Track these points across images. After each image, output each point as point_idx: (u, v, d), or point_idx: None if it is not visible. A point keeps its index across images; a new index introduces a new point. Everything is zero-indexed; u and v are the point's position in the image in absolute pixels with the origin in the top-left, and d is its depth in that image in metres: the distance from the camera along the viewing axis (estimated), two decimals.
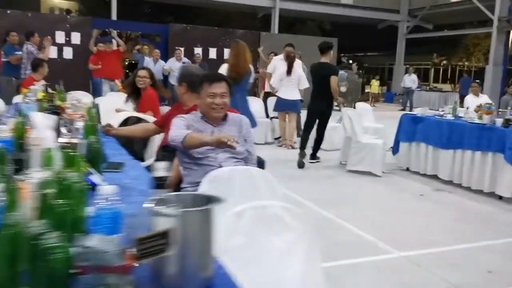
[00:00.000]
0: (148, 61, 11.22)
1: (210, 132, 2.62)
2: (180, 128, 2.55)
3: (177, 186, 2.79)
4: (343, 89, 10.40)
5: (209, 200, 1.14)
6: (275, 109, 8.02)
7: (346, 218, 4.24)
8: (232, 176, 2.23)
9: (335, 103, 6.95)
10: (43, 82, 5.06)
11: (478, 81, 8.98)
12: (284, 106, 7.77)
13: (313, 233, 1.76)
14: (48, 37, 8.68)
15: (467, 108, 6.16)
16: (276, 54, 9.08)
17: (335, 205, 4.71)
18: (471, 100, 7.61)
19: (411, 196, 5.22)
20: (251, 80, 5.28)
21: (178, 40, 13.97)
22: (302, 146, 6.54)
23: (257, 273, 1.61)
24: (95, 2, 23.15)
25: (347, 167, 6.22)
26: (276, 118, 8.30)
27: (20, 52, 7.89)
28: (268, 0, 18.58)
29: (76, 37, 13.36)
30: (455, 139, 5.56)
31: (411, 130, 6.21)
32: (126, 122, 4.34)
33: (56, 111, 2.92)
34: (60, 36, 13.30)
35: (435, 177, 5.84)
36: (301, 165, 6.41)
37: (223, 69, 5.06)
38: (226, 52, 15.08)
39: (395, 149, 6.47)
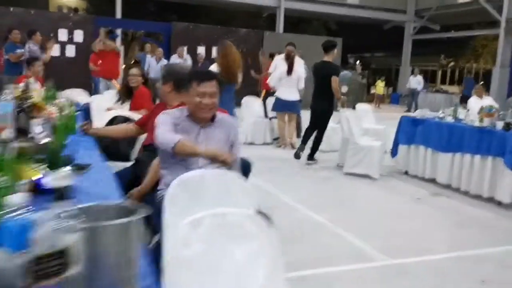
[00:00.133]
0: (150, 60, 11.16)
1: (196, 133, 2.51)
2: (168, 129, 2.42)
3: (153, 188, 2.69)
4: (343, 89, 10.23)
5: (131, 212, 1.02)
6: (273, 109, 7.90)
7: (338, 223, 4.11)
8: (203, 180, 2.10)
9: (338, 104, 6.84)
10: (32, 80, 4.97)
11: (482, 82, 8.80)
12: (283, 106, 7.65)
13: (277, 243, 1.64)
14: (52, 38, 8.62)
15: (468, 111, 6.00)
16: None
17: (328, 208, 4.58)
18: (474, 102, 7.45)
19: (407, 200, 5.07)
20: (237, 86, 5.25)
21: (181, 39, 13.91)
22: (304, 141, 6.55)
23: (215, 285, 1.50)
24: (101, 1, 23.15)
25: (344, 169, 6.09)
26: (275, 118, 8.18)
27: (22, 50, 7.83)
28: (273, 0, 18.45)
29: (78, 35, 13.36)
30: (454, 142, 5.41)
31: (411, 132, 6.06)
32: (112, 121, 4.28)
33: (23, 109, 2.81)
34: (62, 34, 13.31)
35: (433, 181, 5.69)
36: (297, 156, 6.45)
37: (213, 69, 4.98)
38: None
39: (393, 152, 6.32)
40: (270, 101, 8.30)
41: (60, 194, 1.33)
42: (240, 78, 5.26)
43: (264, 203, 4.60)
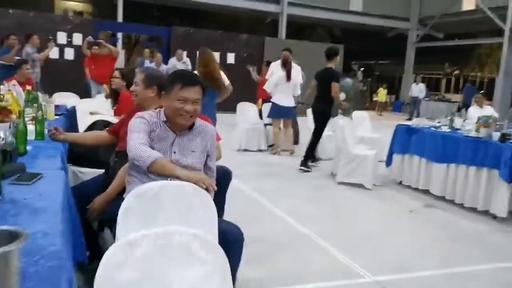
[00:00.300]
0: (149, 65, 11.06)
1: (171, 141, 2.32)
2: (142, 139, 2.22)
3: (119, 195, 2.55)
4: (341, 96, 10.08)
5: (12, 235, 0.88)
6: (269, 116, 7.77)
7: (323, 235, 3.94)
8: (161, 192, 1.95)
9: (339, 110, 6.73)
10: (14, 82, 4.85)
11: (482, 91, 8.63)
12: (279, 112, 7.54)
13: (227, 267, 1.48)
14: (52, 41, 8.52)
15: (464, 120, 5.83)
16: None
17: (315, 219, 4.42)
18: (474, 112, 7.28)
19: (399, 212, 4.89)
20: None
21: (180, 43, 13.80)
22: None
23: None
24: (106, 5, 23.20)
25: (336, 178, 5.93)
26: (270, 125, 8.04)
27: (18, 57, 7.74)
28: (275, 6, 18.37)
29: (77, 38, 13.28)
30: (449, 153, 5.23)
31: (405, 141, 5.89)
32: (92, 126, 4.15)
33: None
34: (61, 37, 13.25)
35: (427, 192, 5.51)
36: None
37: None
38: (229, 56, 14.93)
39: (388, 161, 6.15)
40: (266, 107, 8.18)
41: None
42: (226, 83, 5.34)
43: (249, 212, 4.47)
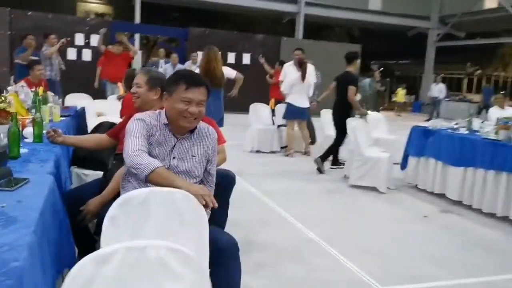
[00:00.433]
0: (166, 66, 11.06)
1: (171, 146, 2.20)
2: (142, 146, 2.09)
3: (114, 199, 2.47)
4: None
5: None
6: (284, 117, 7.63)
7: (331, 241, 3.81)
8: (148, 200, 1.85)
9: (356, 113, 6.61)
10: (23, 83, 4.85)
11: (503, 92, 8.36)
12: (294, 113, 7.45)
13: (207, 282, 1.38)
14: (65, 39, 8.58)
15: (483, 122, 5.61)
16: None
17: (324, 224, 4.28)
18: (495, 113, 7.04)
19: (413, 218, 4.71)
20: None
21: (196, 44, 13.78)
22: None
23: None
24: (125, 7, 23.43)
25: (349, 181, 5.78)
26: (284, 126, 7.92)
27: (36, 57, 7.80)
28: (293, 5, 18.24)
29: (95, 39, 13.36)
30: (466, 156, 5.03)
31: (421, 143, 5.70)
32: (98, 128, 4.10)
33: None
34: (79, 38, 13.38)
35: (443, 196, 5.31)
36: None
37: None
38: (245, 56, 14.86)
39: (403, 164, 5.97)
40: (279, 108, 8.07)
41: None
42: (232, 75, 5.54)
43: (258, 216, 4.37)
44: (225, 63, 13.86)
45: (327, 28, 25.43)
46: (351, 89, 6.28)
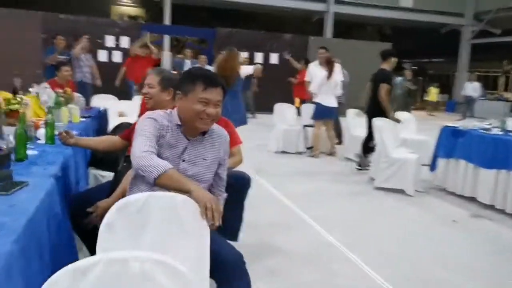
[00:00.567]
0: (189, 65, 11.08)
1: (182, 148, 2.09)
2: (151, 147, 1.98)
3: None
4: None
5: None
6: (313, 117, 7.49)
7: (352, 245, 3.66)
8: (147, 205, 1.76)
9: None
10: (45, 85, 4.88)
11: None
12: (323, 113, 7.34)
13: None
14: (89, 39, 8.70)
15: None
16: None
17: (346, 228, 4.13)
18: None
19: (441, 222, 4.49)
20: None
21: (224, 44, 13.70)
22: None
23: None
24: (156, 9, 23.75)
25: (374, 183, 5.59)
26: (310, 126, 7.77)
27: (64, 56, 7.95)
28: (322, 4, 18.02)
29: (125, 41, 13.56)
30: (499, 158, 4.76)
31: (451, 144, 5.45)
32: (117, 128, 4.09)
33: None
34: (109, 40, 13.58)
35: (474, 199, 5.06)
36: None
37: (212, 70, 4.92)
38: (272, 56, 14.74)
39: (432, 166, 5.73)
40: (305, 108, 7.93)
41: None
42: (249, 71, 5.55)
43: (278, 218, 4.26)
44: (253, 63, 13.88)
45: (357, 27, 25.02)
46: (383, 86, 6.03)
